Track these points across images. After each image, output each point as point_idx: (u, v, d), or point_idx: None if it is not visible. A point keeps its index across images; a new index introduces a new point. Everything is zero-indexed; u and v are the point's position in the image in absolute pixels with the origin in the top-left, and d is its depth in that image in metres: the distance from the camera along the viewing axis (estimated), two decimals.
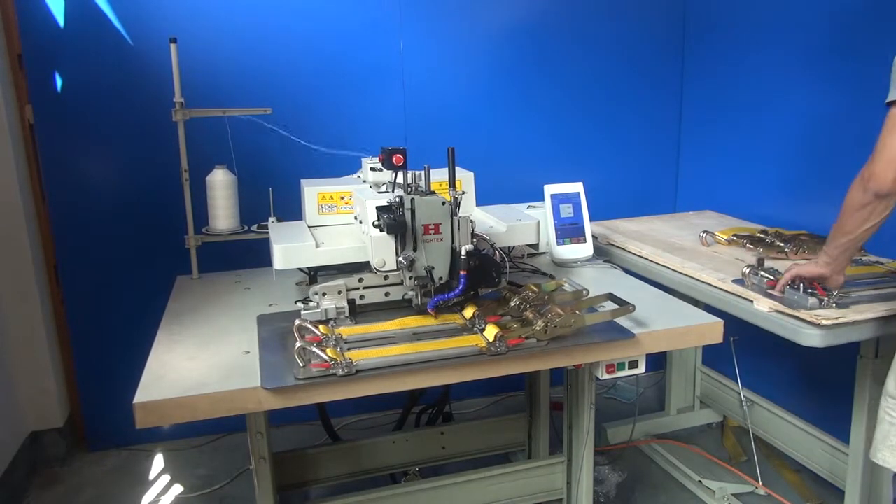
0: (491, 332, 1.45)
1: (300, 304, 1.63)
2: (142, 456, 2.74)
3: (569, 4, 2.92)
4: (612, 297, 1.62)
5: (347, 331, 1.53)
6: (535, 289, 1.64)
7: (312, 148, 2.14)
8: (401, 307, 1.67)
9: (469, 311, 1.56)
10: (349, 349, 1.42)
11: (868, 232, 1.56)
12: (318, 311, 1.58)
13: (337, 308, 1.60)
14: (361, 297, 1.65)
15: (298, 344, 1.37)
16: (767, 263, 1.85)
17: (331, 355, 1.35)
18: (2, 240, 2.46)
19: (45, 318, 2.61)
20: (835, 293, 1.63)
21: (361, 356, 1.38)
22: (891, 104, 1.47)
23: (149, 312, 1.78)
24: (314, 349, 1.36)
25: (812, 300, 1.62)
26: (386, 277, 1.65)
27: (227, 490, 2.51)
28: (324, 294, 1.60)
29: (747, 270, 1.81)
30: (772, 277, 1.75)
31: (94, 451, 2.75)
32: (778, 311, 1.67)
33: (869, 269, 1.90)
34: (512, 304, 1.58)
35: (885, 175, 1.45)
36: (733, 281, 1.85)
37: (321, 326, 1.51)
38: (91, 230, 2.59)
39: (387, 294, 1.67)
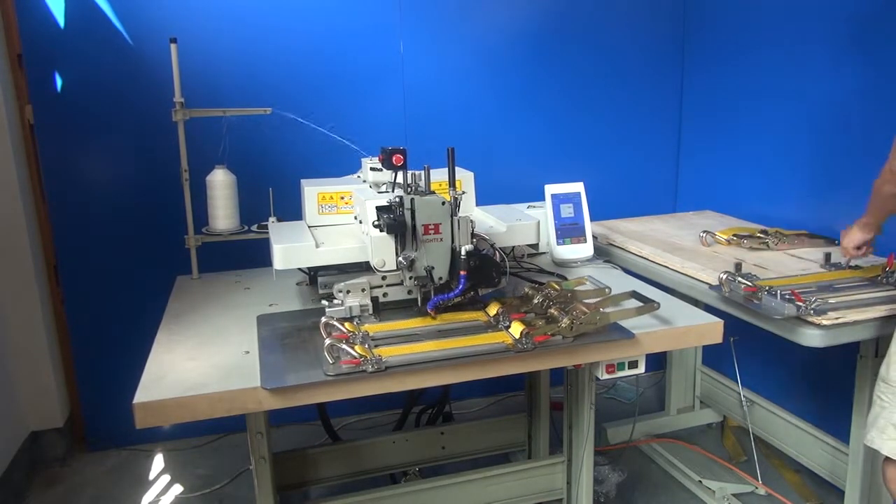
0: (517, 329, 1.46)
1: (324, 302, 1.63)
2: (142, 456, 2.74)
3: (569, 4, 2.92)
4: (635, 295, 1.62)
5: (372, 328, 1.53)
6: (556, 287, 1.65)
7: (353, 148, 2.12)
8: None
9: (493, 309, 1.57)
10: (376, 346, 1.43)
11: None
12: (343, 308, 1.59)
13: (361, 305, 1.60)
14: (385, 294, 1.66)
15: (328, 341, 1.38)
16: (745, 268, 1.84)
17: (359, 352, 1.35)
18: (2, 240, 2.46)
19: (45, 318, 2.61)
20: (813, 300, 1.62)
21: (389, 353, 1.39)
22: None
23: (149, 312, 1.78)
24: (343, 346, 1.36)
25: (789, 307, 1.60)
26: None
27: (227, 490, 2.51)
28: (348, 291, 1.60)
29: (724, 276, 1.79)
30: (749, 284, 1.72)
31: (94, 451, 2.76)
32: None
33: (850, 274, 1.89)
34: (535, 301, 1.59)
35: None
36: (711, 288, 1.84)
37: (346, 324, 1.52)
38: (91, 230, 2.59)
39: (410, 292, 1.67)
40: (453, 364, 1.39)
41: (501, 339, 1.46)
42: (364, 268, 1.66)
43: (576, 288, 1.69)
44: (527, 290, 1.64)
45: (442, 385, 2.20)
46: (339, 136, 2.16)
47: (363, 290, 1.62)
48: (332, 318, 1.52)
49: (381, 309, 1.65)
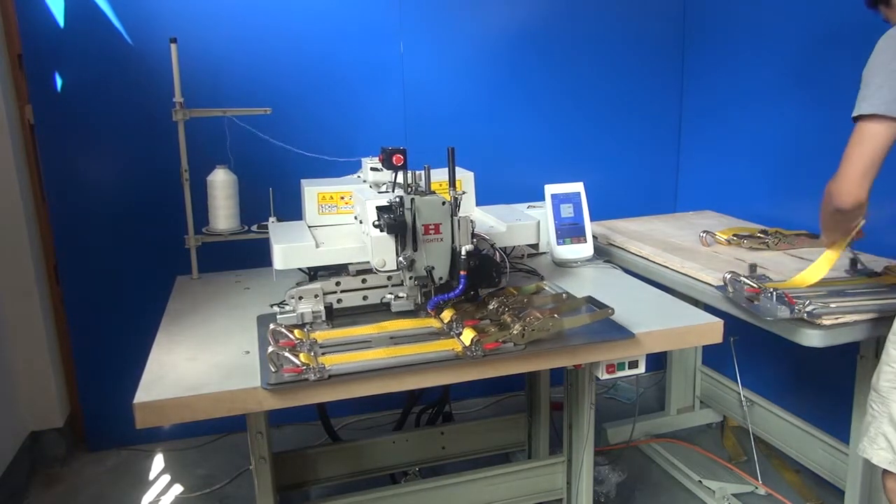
0: (468, 336, 1.43)
1: (276, 308, 1.61)
2: (142, 456, 2.74)
3: (569, 4, 2.92)
4: (591, 300, 1.61)
5: (323, 335, 1.52)
6: (514, 292, 1.63)
7: (309, 155, 2.14)
8: (378, 311, 1.66)
9: (447, 315, 1.55)
10: (323, 354, 1.41)
11: (847, 233, 1.65)
12: (294, 315, 1.57)
13: (313, 312, 1.58)
14: (339, 300, 1.64)
15: (271, 349, 1.36)
16: (760, 270, 1.84)
17: (303, 360, 1.33)
18: (2, 240, 2.46)
19: (45, 318, 2.61)
20: (807, 302, 1.61)
21: (335, 361, 1.37)
22: (857, 118, 1.48)
23: (149, 312, 1.78)
24: (286, 354, 1.34)
25: (783, 308, 1.60)
26: (364, 281, 1.64)
27: (227, 490, 2.51)
28: (300, 298, 1.58)
29: (728, 277, 1.80)
30: (753, 284, 1.72)
31: (94, 451, 2.75)
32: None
33: (873, 281, 1.85)
34: (490, 307, 1.57)
35: (844, 194, 1.50)
36: (717, 288, 1.84)
37: (296, 331, 1.48)
38: (91, 230, 2.59)
39: (365, 298, 1.66)
40: (398, 372, 1.37)
41: (451, 347, 1.44)
42: (342, 271, 1.65)
43: (533, 293, 1.67)
44: (483, 295, 1.62)
45: (442, 385, 2.20)
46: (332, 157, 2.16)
47: (316, 296, 1.59)
48: (281, 325, 1.49)
49: (336, 315, 1.63)
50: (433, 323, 1.58)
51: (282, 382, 1.30)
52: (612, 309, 1.53)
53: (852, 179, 1.48)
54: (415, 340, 1.49)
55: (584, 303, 1.62)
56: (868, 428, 1.55)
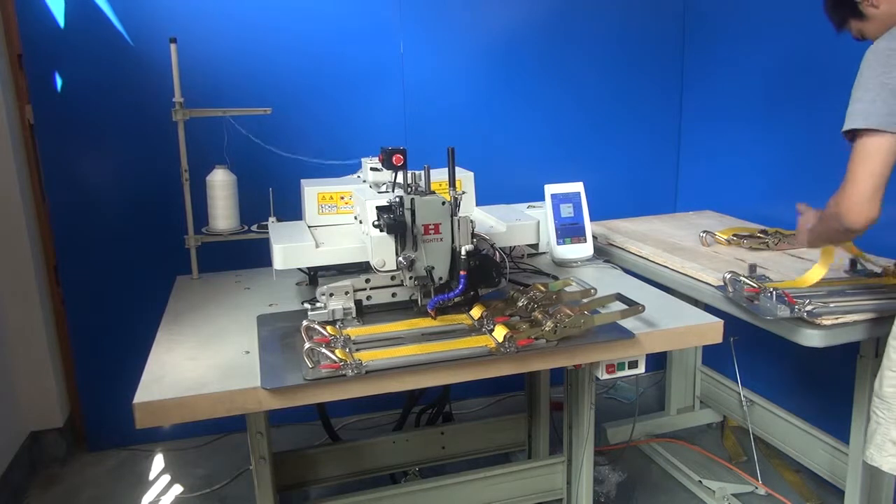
0: (500, 332, 1.45)
1: (307, 305, 1.62)
2: (142, 456, 2.74)
3: (569, 4, 2.92)
4: (620, 297, 1.62)
5: (355, 331, 1.53)
6: (542, 288, 1.64)
7: (301, 159, 2.15)
8: (408, 308, 1.66)
9: (477, 312, 1.56)
10: (358, 350, 1.42)
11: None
12: (326, 311, 1.58)
13: (344, 309, 1.60)
14: (368, 297, 1.65)
15: (307, 345, 1.37)
16: (760, 270, 1.84)
17: (340, 356, 1.35)
18: (2, 240, 2.46)
19: (45, 318, 2.61)
20: (806, 302, 1.61)
21: (370, 357, 1.39)
22: (854, 135, 1.43)
23: (149, 312, 1.78)
24: (323, 350, 1.36)
25: (783, 308, 1.60)
26: (393, 278, 1.64)
27: (227, 490, 2.51)
28: (331, 295, 1.59)
29: (728, 276, 1.80)
30: (753, 284, 1.73)
31: (94, 451, 2.76)
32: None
33: (875, 281, 1.85)
34: (520, 304, 1.58)
35: (855, 213, 1.42)
36: (717, 288, 1.84)
37: (329, 327, 1.51)
38: (91, 230, 2.59)
39: (394, 294, 1.67)
40: (434, 367, 1.38)
41: (484, 343, 1.45)
42: (364, 268, 1.66)
43: (561, 289, 1.68)
44: (512, 292, 1.63)
45: (442, 385, 2.20)
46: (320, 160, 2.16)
47: (346, 293, 1.60)
48: (314, 321, 1.51)
49: (366, 312, 1.64)
50: (464, 320, 1.58)
51: (320, 378, 1.31)
52: (643, 306, 1.54)
53: (864, 198, 1.41)
54: (446, 337, 1.50)
55: (612, 299, 1.62)
56: (874, 435, 1.52)
